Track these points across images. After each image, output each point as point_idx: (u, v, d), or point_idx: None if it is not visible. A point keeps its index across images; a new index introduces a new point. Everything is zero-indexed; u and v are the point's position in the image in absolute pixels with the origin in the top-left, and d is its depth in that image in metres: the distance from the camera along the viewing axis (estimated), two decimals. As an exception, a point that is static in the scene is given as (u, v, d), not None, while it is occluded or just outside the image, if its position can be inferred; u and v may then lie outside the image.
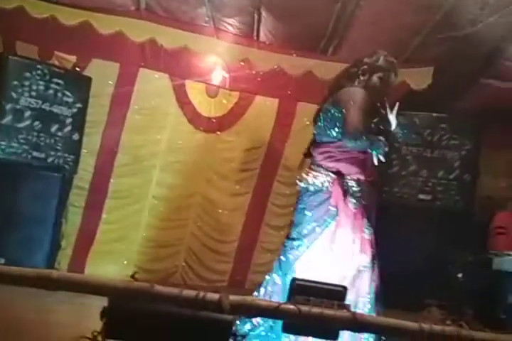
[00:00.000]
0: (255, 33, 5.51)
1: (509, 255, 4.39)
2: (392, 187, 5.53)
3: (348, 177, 3.26)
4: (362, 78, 3.37)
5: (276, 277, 3.26)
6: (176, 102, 5.57)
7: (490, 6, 4.55)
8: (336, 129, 3.27)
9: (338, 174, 3.27)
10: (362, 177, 3.29)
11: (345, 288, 2.55)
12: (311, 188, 3.28)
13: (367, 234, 3.30)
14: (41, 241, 4.65)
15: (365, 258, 3.24)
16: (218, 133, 5.71)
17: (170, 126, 5.58)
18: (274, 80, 5.72)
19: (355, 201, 3.25)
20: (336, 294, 2.40)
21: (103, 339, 1.96)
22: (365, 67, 3.39)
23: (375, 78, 3.37)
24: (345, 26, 5.17)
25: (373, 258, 3.27)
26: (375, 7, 4.80)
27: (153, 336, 2.03)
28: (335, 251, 3.17)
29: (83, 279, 2.00)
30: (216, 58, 5.63)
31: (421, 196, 5.49)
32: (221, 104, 5.73)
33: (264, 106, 5.80)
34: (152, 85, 5.45)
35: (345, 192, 3.23)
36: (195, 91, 5.64)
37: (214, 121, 5.68)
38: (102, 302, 1.98)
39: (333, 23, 5.16)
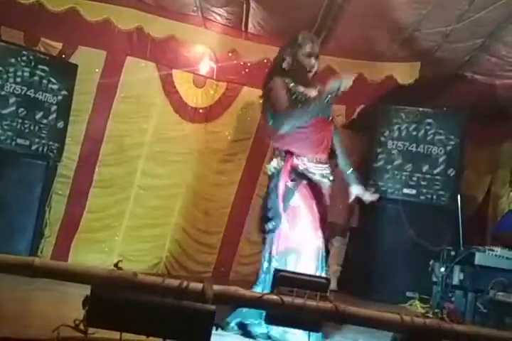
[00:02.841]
0: (244, 24, 5.47)
1: (492, 250, 4.42)
2: (377, 181, 5.55)
3: (300, 156, 3.39)
4: (286, 63, 3.52)
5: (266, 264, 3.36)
6: (162, 92, 5.52)
7: (477, 2, 4.57)
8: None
9: (289, 153, 3.39)
10: (316, 156, 3.41)
11: (328, 280, 2.57)
12: (270, 172, 3.47)
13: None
14: (24, 229, 4.60)
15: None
16: (205, 123, 5.69)
17: (156, 115, 5.54)
18: (262, 71, 5.64)
19: (313, 178, 3.38)
20: (318, 285, 2.41)
21: (85, 327, 1.95)
22: (287, 49, 3.55)
23: (300, 56, 3.48)
24: (333, 20, 5.16)
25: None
26: (364, 1, 4.80)
27: (136, 325, 2.03)
28: (301, 226, 3.29)
29: (65, 267, 1.99)
30: (204, 48, 5.59)
31: (405, 190, 5.52)
32: (208, 94, 5.70)
33: (252, 98, 5.78)
34: (139, 74, 5.39)
35: (296, 169, 3.36)
36: (182, 81, 5.60)
37: (201, 111, 5.65)
38: (84, 290, 1.96)
39: (321, 16, 5.15)
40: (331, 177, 3.46)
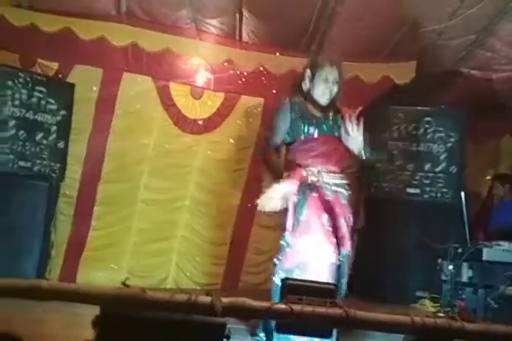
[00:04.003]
0: (237, 34, 5.51)
1: (499, 245, 4.42)
2: (380, 182, 5.56)
3: (309, 168, 3.35)
4: (306, 84, 3.45)
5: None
6: (160, 105, 5.56)
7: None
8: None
9: (298, 165, 3.38)
10: (327, 166, 3.36)
11: (336, 286, 2.58)
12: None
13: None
14: (31, 250, 4.61)
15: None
16: (205, 134, 5.70)
17: (156, 129, 5.56)
18: (259, 80, 5.72)
19: (326, 188, 3.32)
20: (327, 292, 2.42)
21: (97, 347, 1.95)
22: (306, 70, 3.47)
23: (318, 80, 3.40)
24: (327, 23, 5.19)
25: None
26: (356, 3, 4.82)
27: (147, 342, 2.03)
28: (309, 241, 3.25)
29: (74, 288, 2.00)
30: (199, 60, 5.61)
31: (409, 190, 5.52)
32: (206, 105, 5.72)
33: (250, 106, 5.81)
34: (136, 89, 5.43)
35: (305, 181, 3.32)
36: (179, 93, 5.63)
37: (200, 122, 5.67)
38: (94, 310, 1.97)
39: (314, 21, 5.18)
40: (349, 190, 3.39)
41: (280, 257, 3.29)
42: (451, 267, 4.42)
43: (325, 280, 3.11)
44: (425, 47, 5.50)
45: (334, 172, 3.37)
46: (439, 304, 4.46)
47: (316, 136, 3.39)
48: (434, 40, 5.32)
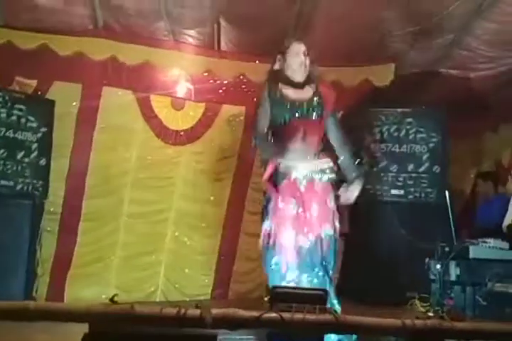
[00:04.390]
0: (216, 43, 5.53)
1: (485, 242, 4.45)
2: (365, 185, 5.56)
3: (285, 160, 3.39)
4: (277, 65, 3.52)
5: None
6: (142, 118, 5.55)
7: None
8: None
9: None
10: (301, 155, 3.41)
11: (325, 292, 2.58)
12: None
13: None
14: (16, 270, 4.56)
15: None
16: (188, 145, 5.70)
17: (138, 142, 5.55)
18: (239, 88, 5.73)
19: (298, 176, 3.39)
20: (316, 298, 2.42)
21: (87, 365, 1.94)
22: (277, 56, 3.54)
23: (291, 56, 3.47)
24: (305, 28, 5.21)
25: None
26: (332, 8, 4.86)
27: (138, 358, 2.02)
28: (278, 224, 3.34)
29: (61, 308, 1.99)
30: (179, 71, 5.63)
31: (393, 191, 5.55)
32: (188, 116, 5.73)
33: (232, 115, 5.82)
34: (117, 102, 5.41)
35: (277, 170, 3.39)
36: (160, 105, 5.63)
37: (182, 133, 5.67)
38: (83, 328, 1.96)
39: (292, 27, 5.20)
40: (331, 174, 3.42)
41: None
42: (438, 266, 4.43)
43: (293, 263, 3.22)
44: (403, 49, 5.55)
45: (309, 159, 3.41)
46: (428, 304, 4.47)
47: (290, 121, 3.41)
48: (411, 41, 5.37)
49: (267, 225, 3.37)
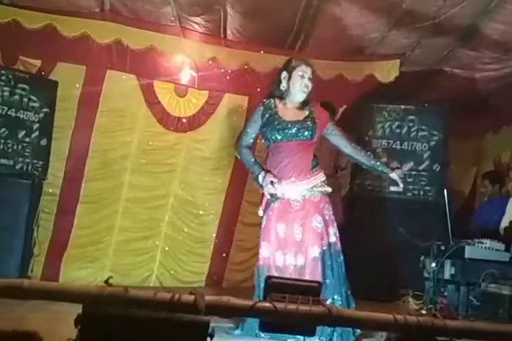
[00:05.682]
0: (222, 31, 5.50)
1: (481, 243, 4.46)
2: (364, 181, 5.59)
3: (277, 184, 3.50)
4: (282, 84, 3.59)
5: None
6: (144, 103, 5.53)
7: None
8: None
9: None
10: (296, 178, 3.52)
11: (319, 284, 2.58)
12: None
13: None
14: (13, 248, 4.57)
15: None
16: (189, 132, 5.69)
17: (140, 127, 5.54)
18: (243, 78, 5.72)
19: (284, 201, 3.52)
20: (311, 290, 2.42)
21: (78, 346, 1.94)
22: (282, 72, 3.62)
23: (295, 77, 3.56)
24: (311, 22, 5.20)
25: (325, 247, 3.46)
26: (340, 2, 4.83)
27: (130, 341, 2.02)
28: (269, 246, 3.50)
29: (55, 287, 1.98)
30: (184, 57, 5.61)
31: (392, 188, 5.55)
32: (191, 103, 5.70)
33: (234, 104, 5.80)
34: (120, 87, 5.40)
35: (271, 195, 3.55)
36: (163, 91, 5.61)
37: (184, 120, 5.66)
38: (76, 308, 1.96)
39: (299, 19, 5.18)
40: (323, 188, 3.54)
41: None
42: (433, 264, 4.45)
43: None
44: (409, 46, 5.53)
45: (300, 181, 3.50)
46: (421, 301, 4.48)
47: (282, 142, 3.52)
48: (417, 38, 5.35)
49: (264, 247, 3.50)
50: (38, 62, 5.14)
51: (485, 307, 4.08)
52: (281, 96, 3.61)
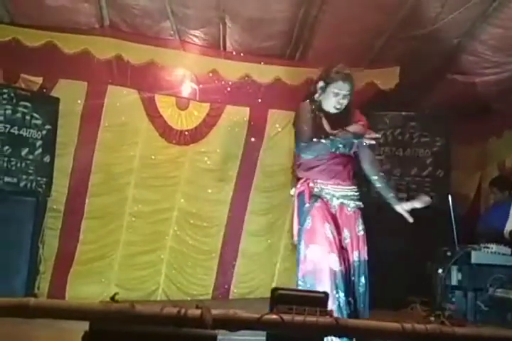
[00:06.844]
0: (221, 44, 5.53)
1: (487, 248, 4.44)
2: (368, 188, 5.56)
3: (319, 182, 3.38)
4: (317, 94, 3.44)
5: None
6: (146, 117, 5.56)
7: (449, 3, 4.64)
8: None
9: (306, 180, 3.42)
10: (335, 181, 3.40)
11: (326, 294, 2.57)
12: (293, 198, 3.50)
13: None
14: (18, 266, 4.58)
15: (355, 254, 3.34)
16: (191, 145, 5.70)
17: (142, 141, 5.57)
18: (244, 89, 5.73)
19: (331, 200, 3.37)
20: (318, 301, 2.41)
21: (86, 363, 1.93)
22: (320, 82, 3.45)
23: (330, 93, 3.40)
24: (310, 31, 5.23)
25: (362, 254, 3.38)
26: (338, 11, 4.86)
27: (137, 357, 2.02)
28: (313, 249, 3.29)
29: (61, 305, 1.98)
30: (184, 71, 5.63)
31: (397, 196, 5.53)
32: (192, 115, 5.73)
33: (236, 116, 5.82)
34: (121, 101, 5.43)
35: (311, 195, 3.37)
36: (165, 104, 5.64)
37: (186, 133, 5.68)
38: (83, 326, 1.96)
39: (297, 29, 5.21)
40: (358, 201, 3.45)
41: (299, 264, 3.35)
42: (440, 271, 4.43)
43: (328, 288, 3.11)
44: (408, 53, 5.54)
45: (340, 185, 3.40)
46: (429, 308, 4.46)
47: (326, 155, 3.39)
48: (416, 45, 5.37)
49: (304, 247, 3.30)
50: (39, 80, 5.17)
51: (493, 313, 4.06)
52: (317, 106, 3.42)
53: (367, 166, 3.58)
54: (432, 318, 4.07)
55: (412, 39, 5.24)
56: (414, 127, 5.71)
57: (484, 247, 4.43)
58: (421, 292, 4.71)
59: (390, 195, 3.63)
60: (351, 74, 3.45)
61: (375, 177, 3.61)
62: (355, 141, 3.38)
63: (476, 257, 4.35)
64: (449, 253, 4.46)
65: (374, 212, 5.45)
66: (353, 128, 3.35)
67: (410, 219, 3.58)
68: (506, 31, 4.91)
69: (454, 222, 4.52)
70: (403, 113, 5.76)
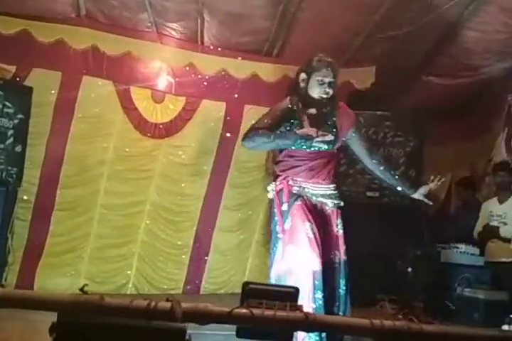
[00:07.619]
0: (199, 38, 5.51)
1: (456, 247, 4.51)
2: (341, 186, 5.58)
3: (299, 181, 3.35)
4: (302, 85, 3.38)
5: None
6: (121, 109, 5.50)
7: (426, 6, 4.69)
8: None
9: (285, 177, 3.37)
10: (315, 180, 3.38)
11: (297, 289, 2.58)
12: (270, 196, 3.45)
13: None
14: (-14, 257, 4.51)
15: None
16: (166, 138, 5.66)
17: (116, 133, 5.50)
18: (220, 84, 5.72)
19: (311, 198, 3.35)
20: (288, 296, 2.42)
21: (53, 355, 1.91)
22: (301, 74, 3.39)
23: (314, 81, 3.34)
24: (288, 29, 5.24)
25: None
26: (317, 9, 4.87)
27: (106, 349, 2.00)
28: (293, 248, 3.25)
29: (28, 295, 1.95)
30: (161, 63, 5.59)
31: (369, 193, 5.59)
32: (168, 109, 5.69)
33: (212, 110, 5.80)
34: (96, 92, 5.36)
35: (291, 193, 3.32)
36: (140, 97, 5.58)
37: (161, 126, 5.63)
38: (51, 317, 1.93)
39: (276, 26, 5.21)
40: (337, 200, 3.42)
41: (272, 262, 3.31)
42: (409, 269, 4.48)
43: (307, 288, 3.10)
44: (384, 53, 5.58)
45: (320, 184, 3.37)
46: (398, 306, 4.52)
47: (305, 157, 3.36)
48: (393, 46, 5.41)
49: (282, 246, 3.26)
50: (12, 68, 5.07)
51: (460, 311, 4.12)
52: (301, 97, 3.35)
53: (366, 159, 3.55)
54: (400, 316, 4.12)
55: (389, 40, 5.28)
56: (389, 127, 5.76)
57: (453, 247, 4.50)
58: (391, 290, 4.76)
59: (402, 189, 3.65)
60: (334, 62, 3.39)
61: (379, 174, 3.58)
62: (307, 143, 3.29)
63: (445, 257, 4.41)
64: (418, 253, 4.52)
65: (346, 210, 5.51)
66: (302, 131, 3.26)
67: (430, 202, 3.62)
68: (481, 35, 4.98)
69: (424, 221, 4.57)
70: (378, 112, 5.81)
